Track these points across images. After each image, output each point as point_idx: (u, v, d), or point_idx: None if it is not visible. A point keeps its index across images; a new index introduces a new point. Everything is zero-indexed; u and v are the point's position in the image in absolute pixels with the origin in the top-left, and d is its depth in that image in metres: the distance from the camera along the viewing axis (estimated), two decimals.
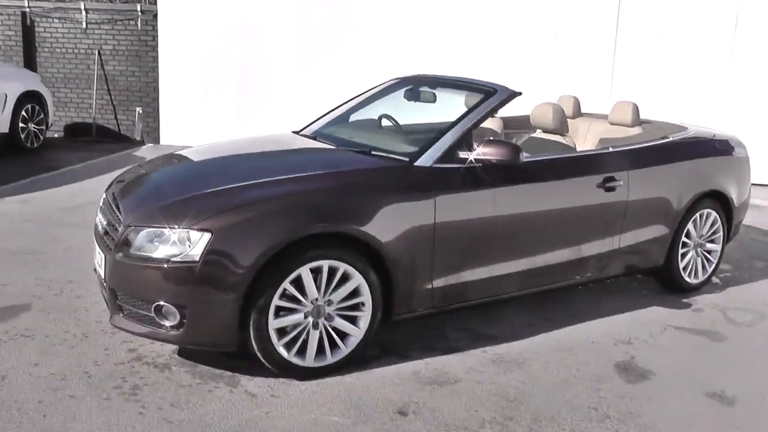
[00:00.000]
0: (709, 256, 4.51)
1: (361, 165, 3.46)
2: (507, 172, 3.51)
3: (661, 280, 4.45)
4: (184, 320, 2.98)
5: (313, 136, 4.14)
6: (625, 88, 8.17)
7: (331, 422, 2.85)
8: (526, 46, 8.53)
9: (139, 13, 9.32)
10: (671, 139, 4.30)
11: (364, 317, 3.24)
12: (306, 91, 9.04)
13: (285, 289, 3.02)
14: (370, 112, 4.59)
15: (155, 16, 9.20)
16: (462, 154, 3.46)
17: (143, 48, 9.41)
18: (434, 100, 4.23)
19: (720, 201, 4.44)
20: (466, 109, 3.76)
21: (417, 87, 4.29)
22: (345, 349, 3.23)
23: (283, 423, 2.83)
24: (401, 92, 4.59)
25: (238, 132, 9.12)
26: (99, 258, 3.37)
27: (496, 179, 3.50)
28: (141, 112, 9.51)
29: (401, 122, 4.35)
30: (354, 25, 8.88)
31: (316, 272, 3.07)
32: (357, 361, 3.29)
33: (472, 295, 3.56)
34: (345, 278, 3.15)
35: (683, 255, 4.34)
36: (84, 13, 9.41)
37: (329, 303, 3.16)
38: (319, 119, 4.59)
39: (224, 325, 2.99)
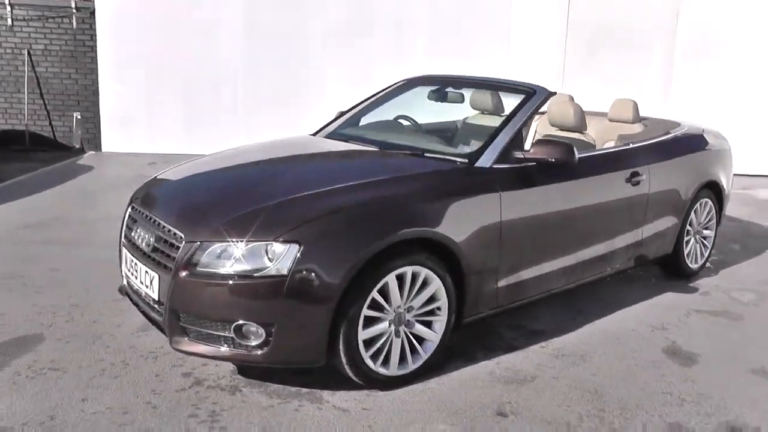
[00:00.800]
0: (705, 242, 4.81)
1: (426, 168, 3.39)
2: (556, 170, 3.57)
3: (666, 268, 4.69)
4: (270, 338, 2.80)
5: (344, 139, 4.01)
6: (573, 86, 8.55)
7: (440, 431, 2.78)
8: (479, 46, 8.71)
9: (74, 10, 8.60)
10: (675, 134, 4.55)
11: (440, 322, 3.18)
12: (259, 95, 8.76)
13: (373, 298, 2.91)
14: (382, 114, 4.54)
15: (92, 13, 8.55)
16: (516, 154, 3.49)
17: (80, 48, 8.69)
18: (462, 101, 4.24)
19: (714, 190, 4.75)
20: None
21: (443, 88, 4.27)
22: (424, 355, 3.15)
23: None
24: (409, 93, 4.58)
25: (187, 139, 8.75)
26: (142, 278, 3.10)
27: (547, 177, 3.55)
28: (79, 117, 8.77)
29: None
30: (306, 28, 8.70)
31: (399, 279, 2.99)
32: (430, 366, 3.23)
33: (528, 292, 3.59)
34: (425, 283, 3.08)
35: (687, 242, 4.61)
36: (9, 8, 8.54)
37: (409, 310, 3.08)
38: (333, 122, 4.47)
39: (315, 340, 2.83)
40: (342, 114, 4.61)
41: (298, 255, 2.74)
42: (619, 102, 4.83)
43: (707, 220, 4.78)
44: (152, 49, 8.59)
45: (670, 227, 4.40)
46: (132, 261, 3.22)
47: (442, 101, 4.24)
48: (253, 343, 2.82)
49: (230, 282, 2.78)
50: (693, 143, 4.62)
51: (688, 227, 4.58)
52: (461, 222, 3.17)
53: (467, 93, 4.36)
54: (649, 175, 4.11)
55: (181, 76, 8.68)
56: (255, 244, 2.79)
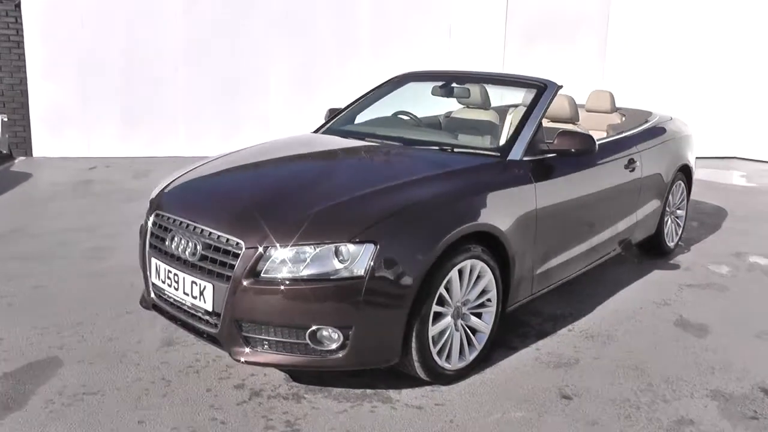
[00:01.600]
0: (678, 221, 5.16)
1: (467, 163, 3.43)
2: (575, 159, 3.71)
3: (646, 248, 4.98)
4: (347, 341, 2.74)
5: (359, 137, 3.97)
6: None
7: (519, 418, 2.84)
8: (421, 42, 8.79)
9: None
10: (654, 122, 4.84)
11: (490, 313, 3.24)
12: (200, 91, 8.42)
13: (440, 294, 2.92)
14: (377, 111, 4.53)
15: (18, 5, 7.85)
16: (542, 146, 3.60)
17: (5, 44, 7.96)
18: (468, 96, 4.29)
19: (685, 173, 5.09)
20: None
21: (449, 83, 4.30)
22: (478, 347, 3.20)
23: (478, 428, 2.75)
24: (402, 89, 4.59)
25: (125, 141, 8.27)
26: (187, 289, 2.94)
27: (567, 166, 3.68)
28: (6, 120, 8.02)
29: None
30: (248, 19, 8.42)
31: (459, 273, 3.01)
32: (481, 358, 3.27)
33: (555, 278, 3.72)
34: (479, 276, 3.12)
35: (666, 223, 4.93)
36: None
37: (465, 303, 3.12)
38: (332, 120, 4.41)
39: (391, 339, 2.80)
40: (334, 112, 4.55)
41: (375, 254, 2.70)
42: (596, 93, 5.07)
43: (680, 200, 5.13)
44: (85, 44, 8.05)
45: (656, 209, 4.69)
46: (169, 272, 3.04)
47: (448, 96, 4.28)
48: (330, 348, 2.75)
49: (303, 287, 2.69)
50: (669, 130, 4.93)
51: (666, 208, 4.90)
52: (506, 214, 3.23)
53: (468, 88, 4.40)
54: (641, 162, 4.36)
55: (116, 74, 8.20)
56: (327, 245, 2.72)
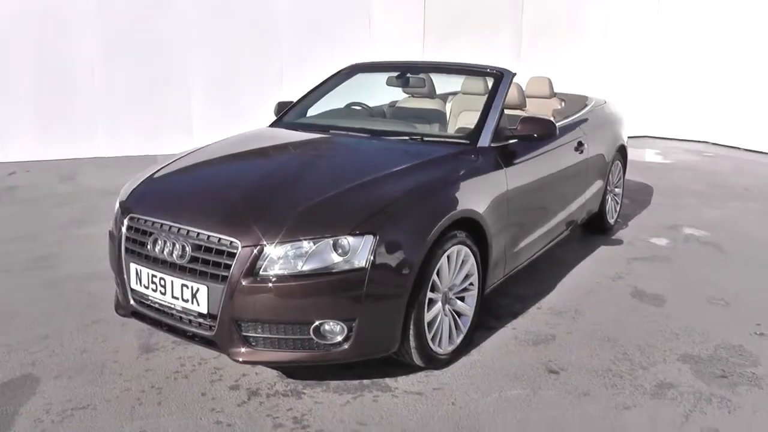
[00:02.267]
0: (617, 199, 5.47)
1: (442, 152, 3.51)
2: (534, 143, 3.87)
3: (589, 225, 5.25)
4: (351, 333, 2.77)
5: (323, 130, 3.97)
6: None
7: (516, 396, 2.96)
8: (339, 34, 8.79)
9: None
10: (593, 106, 5.10)
11: (472, 296, 3.34)
12: (118, 93, 8.07)
13: (433, 281, 3.00)
14: (329, 102, 4.54)
15: None
16: (505, 132, 3.73)
17: None
18: (424, 86, 4.36)
19: (621, 153, 5.41)
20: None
21: (404, 73, 4.36)
22: (464, 330, 3.30)
23: (480, 408, 2.85)
24: (352, 80, 4.62)
25: (43, 143, 7.81)
26: (176, 292, 2.87)
27: (528, 150, 3.84)
28: None
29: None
30: (166, 17, 8.13)
31: (447, 259, 3.09)
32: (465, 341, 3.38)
33: (521, 259, 3.86)
34: (463, 261, 3.22)
35: (606, 201, 5.22)
36: None
37: (451, 288, 3.21)
38: (286, 113, 4.37)
39: (392, 328, 2.86)
40: (284, 105, 4.50)
41: (375, 246, 2.73)
42: (534, 80, 5.27)
43: (618, 179, 5.44)
44: None
45: (600, 188, 4.96)
46: (153, 276, 2.95)
47: (404, 87, 4.34)
48: (335, 341, 2.77)
49: (304, 282, 2.69)
50: (607, 113, 5.22)
51: (607, 187, 5.19)
52: (484, 199, 3.35)
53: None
54: (587, 144, 4.60)
55: (31, 76, 7.72)
56: (326, 239, 2.72)
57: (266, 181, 3.23)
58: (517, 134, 3.72)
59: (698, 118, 9.93)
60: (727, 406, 2.91)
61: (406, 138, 3.70)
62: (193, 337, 2.93)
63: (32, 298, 3.97)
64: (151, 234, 3.00)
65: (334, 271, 2.70)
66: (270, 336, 2.77)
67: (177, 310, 2.91)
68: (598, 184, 4.92)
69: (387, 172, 3.18)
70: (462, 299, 3.31)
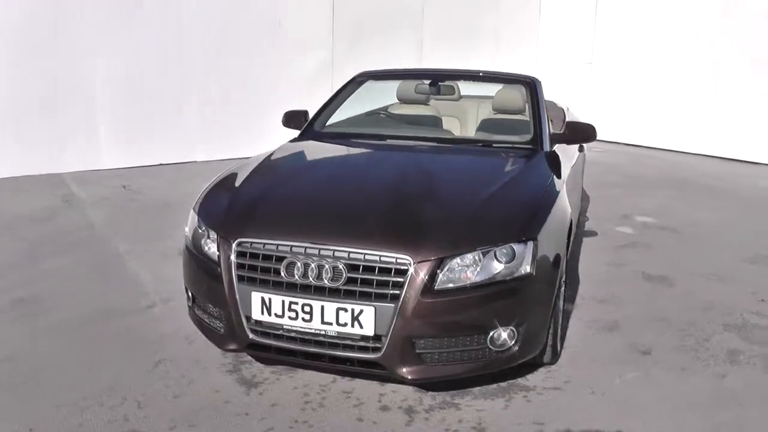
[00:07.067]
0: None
1: (528, 158, 3.75)
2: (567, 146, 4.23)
3: None
4: (519, 337, 2.87)
5: (380, 139, 4.06)
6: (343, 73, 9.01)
7: (635, 378, 3.26)
8: (247, 39, 8.52)
9: None
10: (566, 111, 5.59)
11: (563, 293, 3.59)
12: (22, 96, 7.16)
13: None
14: (347, 111, 4.56)
15: None
16: (556, 137, 4.03)
17: None
18: (454, 93, 4.51)
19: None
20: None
21: (437, 81, 4.47)
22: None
23: (617, 392, 3.10)
24: (363, 88, 4.67)
25: None
26: (331, 317, 2.76)
27: (567, 150, 4.24)
28: None
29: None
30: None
31: None
32: None
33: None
34: None
35: None
36: None
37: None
38: (310, 125, 4.35)
39: (544, 329, 3.04)
40: (292, 115, 4.43)
41: (535, 251, 2.87)
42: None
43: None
44: None
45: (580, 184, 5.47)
46: (293, 303, 2.79)
47: (436, 95, 4.46)
48: (507, 346, 2.87)
49: (480, 293, 2.77)
50: (574, 117, 5.73)
51: None
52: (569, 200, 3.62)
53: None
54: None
55: None
56: (495, 248, 2.81)
57: (393, 196, 3.24)
58: (565, 138, 4.03)
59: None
60: None
61: (478, 144, 3.87)
62: (343, 362, 2.84)
63: (55, 346, 3.43)
64: (281, 258, 2.84)
65: (507, 279, 2.80)
66: (445, 350, 2.79)
67: (330, 336, 2.80)
68: (580, 182, 5.42)
69: (506, 180, 3.33)
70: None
